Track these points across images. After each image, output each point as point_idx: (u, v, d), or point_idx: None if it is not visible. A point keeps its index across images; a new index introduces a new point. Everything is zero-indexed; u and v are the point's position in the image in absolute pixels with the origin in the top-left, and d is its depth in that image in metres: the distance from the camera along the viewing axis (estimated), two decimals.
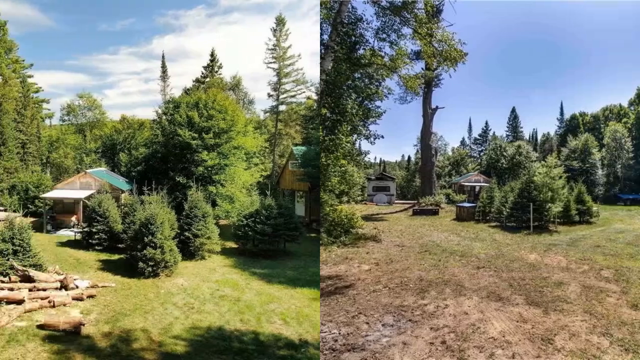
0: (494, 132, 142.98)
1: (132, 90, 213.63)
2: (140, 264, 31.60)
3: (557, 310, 20.44)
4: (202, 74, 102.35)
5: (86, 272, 32.55)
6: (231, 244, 46.17)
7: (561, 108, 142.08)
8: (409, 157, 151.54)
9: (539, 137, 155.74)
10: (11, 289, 25.35)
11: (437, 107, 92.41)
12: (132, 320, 23.43)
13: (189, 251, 38.90)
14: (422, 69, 73.60)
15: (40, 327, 21.53)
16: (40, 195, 54.30)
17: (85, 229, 41.48)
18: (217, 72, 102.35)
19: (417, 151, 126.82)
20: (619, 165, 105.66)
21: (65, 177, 68.43)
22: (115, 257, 38.04)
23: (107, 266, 34.95)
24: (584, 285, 25.18)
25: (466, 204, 67.10)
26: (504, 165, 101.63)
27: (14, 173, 72.47)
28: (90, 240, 40.35)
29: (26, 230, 30.23)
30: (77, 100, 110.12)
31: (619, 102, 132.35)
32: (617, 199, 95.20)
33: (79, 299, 25.96)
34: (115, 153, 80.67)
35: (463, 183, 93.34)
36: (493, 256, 34.44)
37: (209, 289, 30.76)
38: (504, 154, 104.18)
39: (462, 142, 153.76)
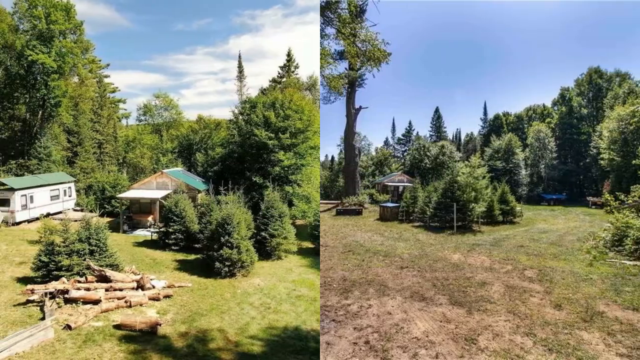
0: (417, 132, 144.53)
1: (208, 90, 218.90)
2: (217, 264, 32.14)
3: (480, 310, 20.90)
4: (279, 73, 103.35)
5: (162, 272, 33.37)
6: (307, 244, 46.26)
7: (484, 108, 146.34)
8: (333, 157, 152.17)
9: (463, 137, 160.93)
10: (88, 289, 26.14)
11: (360, 107, 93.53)
12: (209, 320, 23.77)
13: (265, 251, 39.25)
14: (346, 68, 74.92)
15: (117, 327, 22.11)
16: (117, 195, 56.03)
17: (162, 229, 42.54)
18: (293, 72, 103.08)
19: (341, 151, 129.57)
20: (543, 165, 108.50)
21: (142, 177, 70.49)
22: (192, 257, 38.77)
23: (183, 266, 35.68)
24: (508, 285, 25.85)
25: (390, 204, 67.47)
26: (428, 165, 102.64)
27: (91, 173, 75.18)
28: (166, 241, 41.31)
29: (102, 231, 31.20)
30: (153, 100, 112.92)
31: (542, 102, 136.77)
32: (540, 199, 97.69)
33: (155, 299, 26.53)
34: (192, 153, 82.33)
35: (386, 183, 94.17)
36: (416, 256, 35.09)
37: (285, 289, 30.91)
38: (428, 153, 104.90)
39: (386, 142, 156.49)
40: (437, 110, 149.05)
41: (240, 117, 66.39)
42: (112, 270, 28.94)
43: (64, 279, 27.11)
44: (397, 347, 16.59)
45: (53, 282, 26.77)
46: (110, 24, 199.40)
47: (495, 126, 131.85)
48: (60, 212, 55.86)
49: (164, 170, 59.14)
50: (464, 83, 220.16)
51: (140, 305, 25.49)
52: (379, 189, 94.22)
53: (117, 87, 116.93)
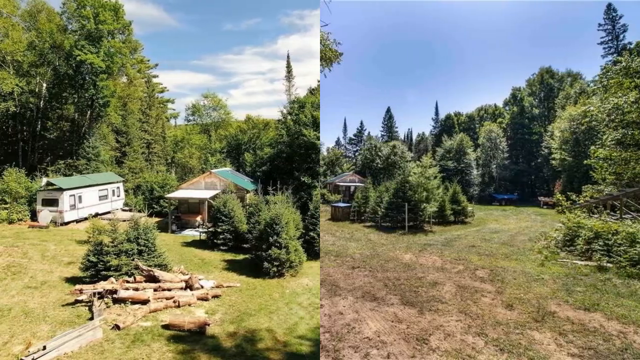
0: (369, 132, 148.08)
1: (257, 90, 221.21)
2: (265, 264, 32.20)
3: (432, 310, 21.26)
4: None
5: (211, 272, 33.58)
6: None
7: (436, 108, 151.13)
8: None
9: (414, 136, 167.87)
10: (136, 289, 26.47)
11: None
12: (257, 320, 23.79)
13: (313, 251, 39.07)
14: None
15: (165, 327, 22.30)
16: (165, 195, 56.84)
17: (210, 229, 42.87)
18: None
19: None
20: (494, 165, 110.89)
21: (190, 177, 71.33)
22: (240, 257, 38.91)
23: (232, 266, 35.79)
24: (459, 285, 26.30)
25: (341, 204, 67.86)
26: (379, 165, 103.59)
27: (139, 173, 76.40)
28: (215, 240, 41.61)
29: (151, 230, 31.58)
30: (202, 100, 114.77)
31: (494, 102, 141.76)
32: (492, 199, 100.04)
33: (204, 299, 26.70)
34: (240, 153, 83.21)
35: (338, 183, 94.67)
36: (368, 256, 36.01)
37: None
38: (379, 153, 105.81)
39: (337, 142, 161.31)
40: (388, 111, 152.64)
41: (289, 117, 66.82)
42: (160, 270, 29.26)
43: (112, 279, 27.51)
44: (349, 347, 16.88)
45: (101, 282, 27.19)
46: (158, 23, 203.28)
47: (446, 126, 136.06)
48: (108, 212, 57.07)
49: (212, 170, 59.70)
50: (415, 83, 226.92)
51: (189, 305, 25.69)
52: (331, 189, 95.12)
53: (165, 87, 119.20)
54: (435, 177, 61.35)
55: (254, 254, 34.92)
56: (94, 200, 56.88)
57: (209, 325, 22.08)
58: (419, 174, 59.51)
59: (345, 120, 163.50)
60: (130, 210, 57.29)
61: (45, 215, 50.53)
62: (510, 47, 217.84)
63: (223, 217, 41.91)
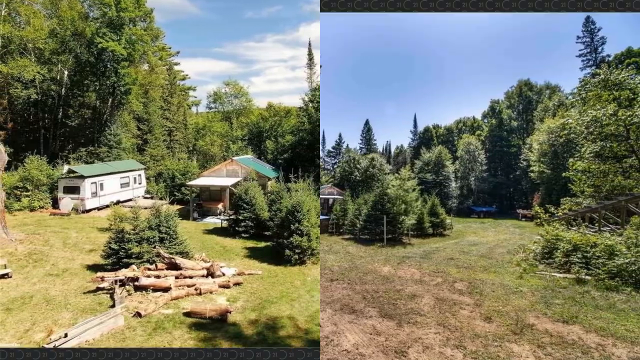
0: (347, 145, 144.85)
1: (278, 78, 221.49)
2: (287, 252, 32.23)
3: (410, 323, 20.72)
4: None
5: (232, 260, 33.66)
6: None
7: (414, 120, 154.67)
8: None
9: (393, 149, 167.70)
10: (158, 277, 26.55)
11: None
12: (279, 308, 23.83)
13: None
14: None
15: (187, 314, 22.34)
16: (187, 183, 56.93)
17: (232, 217, 42.99)
18: None
19: None
20: (473, 178, 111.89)
21: (212, 165, 71.48)
22: (262, 244, 39.01)
23: (253, 254, 35.90)
24: (438, 297, 25.68)
25: (320, 217, 66.08)
26: (358, 178, 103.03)
27: (161, 160, 76.69)
28: (236, 228, 41.74)
29: (172, 218, 31.64)
30: (223, 88, 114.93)
31: (472, 114, 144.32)
32: (470, 212, 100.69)
33: (225, 286, 26.75)
34: (262, 140, 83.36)
35: None
36: (346, 268, 35.04)
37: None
38: (358, 166, 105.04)
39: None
40: (367, 123, 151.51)
41: (310, 105, 66.80)
42: (182, 257, 29.34)
43: (134, 266, 27.64)
44: None
45: (123, 270, 27.32)
46: (180, 11, 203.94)
47: (425, 139, 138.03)
48: (130, 200, 57.28)
49: (234, 158, 59.79)
50: (394, 96, 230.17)
51: (210, 292, 25.76)
52: None
53: (187, 75, 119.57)
54: (414, 190, 61.72)
55: (275, 241, 34.98)
56: (116, 187, 57.26)
57: (230, 312, 22.09)
58: (398, 186, 59.63)
59: (323, 132, 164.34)
60: (151, 198, 57.57)
61: (66, 202, 50.95)
62: (489, 60, 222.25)
63: (244, 205, 41.98)
